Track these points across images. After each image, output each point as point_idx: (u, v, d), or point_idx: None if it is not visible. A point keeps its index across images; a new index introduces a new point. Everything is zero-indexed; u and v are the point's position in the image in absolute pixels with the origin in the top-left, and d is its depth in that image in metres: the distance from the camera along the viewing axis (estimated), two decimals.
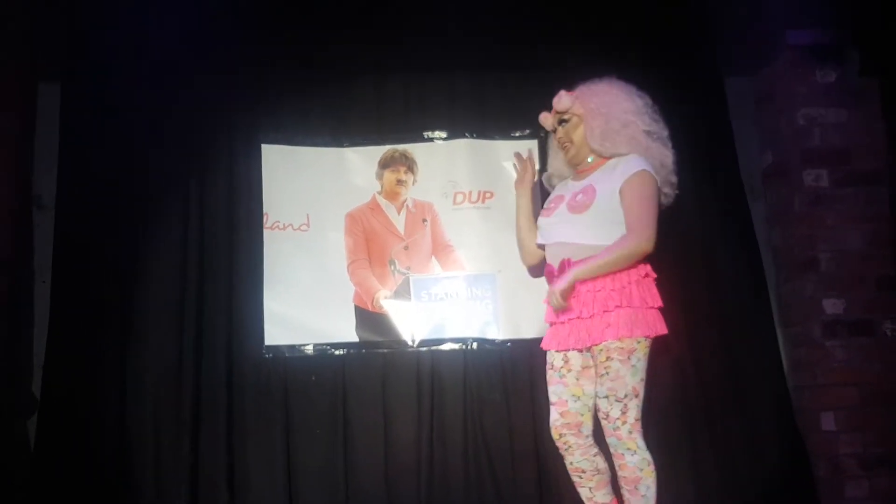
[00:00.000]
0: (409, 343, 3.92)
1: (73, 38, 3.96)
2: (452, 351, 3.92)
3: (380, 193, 4.02)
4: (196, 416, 3.79)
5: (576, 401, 3.03)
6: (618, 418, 2.89)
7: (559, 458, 3.77)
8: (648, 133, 3.04)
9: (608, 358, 2.88)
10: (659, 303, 2.96)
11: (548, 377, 3.12)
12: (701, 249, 4.03)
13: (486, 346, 3.92)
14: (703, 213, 4.02)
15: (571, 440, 3.03)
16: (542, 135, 4.02)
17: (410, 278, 3.96)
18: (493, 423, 3.87)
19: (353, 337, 3.93)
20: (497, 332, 3.92)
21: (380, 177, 4.03)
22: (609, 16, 4.05)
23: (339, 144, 4.04)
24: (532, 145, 4.00)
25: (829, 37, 3.99)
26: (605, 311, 2.89)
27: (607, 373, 2.88)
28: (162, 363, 3.83)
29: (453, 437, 3.87)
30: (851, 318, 3.95)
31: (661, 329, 2.95)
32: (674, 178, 3.09)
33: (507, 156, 4.01)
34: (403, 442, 3.85)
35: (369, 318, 3.93)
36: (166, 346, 3.84)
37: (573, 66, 3.98)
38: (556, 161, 3.32)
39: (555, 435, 3.09)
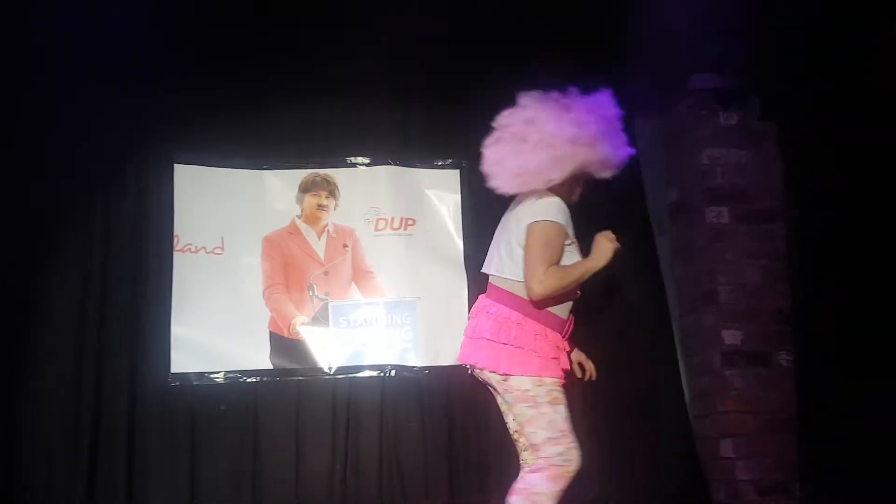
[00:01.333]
0: (326, 370, 3.85)
1: None
2: (370, 378, 3.88)
3: (300, 217, 3.95)
4: (95, 450, 3.60)
5: None
6: None
7: (473, 489, 3.84)
8: None
9: None
10: None
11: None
12: (609, 282, 4.15)
13: (405, 374, 3.90)
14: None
15: None
16: (463, 164, 4.09)
17: (329, 304, 3.90)
18: (408, 452, 3.84)
19: (268, 364, 3.83)
20: (416, 360, 3.90)
21: (300, 201, 3.96)
22: (526, 52, 4.14)
23: (258, 167, 3.95)
24: (454, 174, 4.05)
25: (732, 82, 4.21)
26: None
27: None
28: (58, 391, 3.62)
29: (368, 467, 3.81)
30: (749, 349, 4.12)
31: None
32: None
33: (429, 183, 4.06)
34: (316, 472, 3.77)
35: (285, 345, 3.84)
36: (64, 373, 3.64)
37: (492, 95, 4.09)
38: None
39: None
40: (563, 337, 2.89)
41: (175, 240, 3.82)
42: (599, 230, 3.84)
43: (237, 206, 3.90)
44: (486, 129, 4.03)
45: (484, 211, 4.06)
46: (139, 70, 3.84)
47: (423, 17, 3.82)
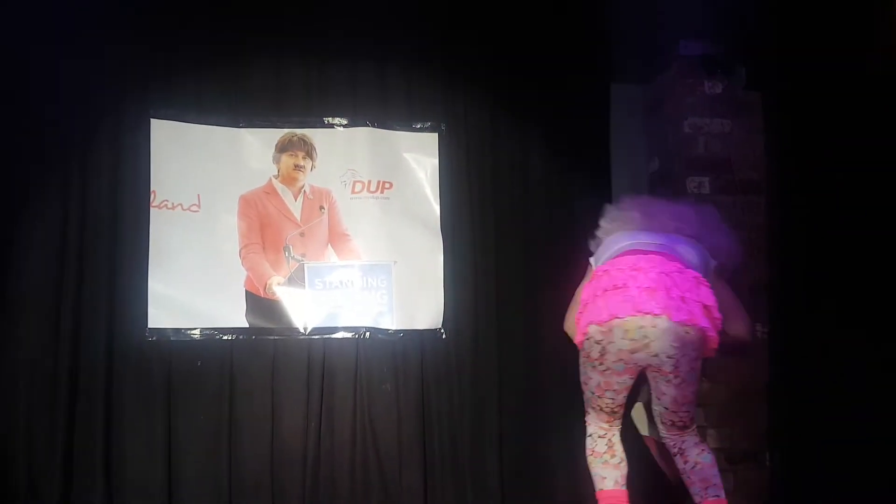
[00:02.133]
0: (301, 331, 3.86)
1: None
2: (345, 340, 3.89)
3: (276, 177, 3.93)
4: (72, 400, 3.65)
5: None
6: None
7: (445, 450, 3.89)
8: None
9: None
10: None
11: None
12: (572, 248, 4.14)
13: (379, 336, 3.91)
14: (576, 216, 4.09)
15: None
16: (442, 128, 4.06)
17: (305, 265, 3.90)
18: (381, 413, 3.87)
19: (243, 323, 3.84)
20: (391, 323, 3.91)
21: (277, 160, 3.93)
22: (505, 13, 4.10)
23: (235, 125, 3.91)
24: (432, 138, 4.03)
25: (719, 50, 4.16)
26: None
27: None
28: (36, 343, 3.65)
29: (342, 427, 3.84)
30: None
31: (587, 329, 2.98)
32: None
33: (407, 147, 4.03)
34: (290, 431, 3.81)
35: (260, 305, 3.85)
36: (42, 326, 3.67)
37: (471, 60, 4.07)
38: None
39: None
40: None
41: (152, 195, 3.80)
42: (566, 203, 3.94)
43: (214, 164, 3.87)
44: (465, 93, 4.08)
45: (461, 175, 4.08)
46: (118, 22, 3.81)
47: None
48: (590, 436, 3.06)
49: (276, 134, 3.94)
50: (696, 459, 2.98)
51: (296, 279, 3.89)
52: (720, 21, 3.97)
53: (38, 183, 3.71)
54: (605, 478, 2.99)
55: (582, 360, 2.98)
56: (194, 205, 3.85)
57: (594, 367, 2.93)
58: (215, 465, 3.72)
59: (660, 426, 3.03)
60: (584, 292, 3.05)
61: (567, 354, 3.98)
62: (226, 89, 3.91)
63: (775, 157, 4.13)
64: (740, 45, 4.09)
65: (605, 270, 2.99)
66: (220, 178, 3.88)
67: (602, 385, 2.95)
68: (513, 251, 4.08)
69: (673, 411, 2.95)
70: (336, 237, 3.95)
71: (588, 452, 3.04)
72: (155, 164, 3.82)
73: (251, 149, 3.92)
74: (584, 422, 3.08)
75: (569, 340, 3.13)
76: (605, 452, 3.02)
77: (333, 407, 3.85)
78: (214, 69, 3.91)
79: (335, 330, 3.89)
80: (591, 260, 3.19)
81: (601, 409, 3.00)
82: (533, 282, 4.06)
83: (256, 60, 3.92)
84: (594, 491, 3.03)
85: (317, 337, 3.87)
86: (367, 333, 3.90)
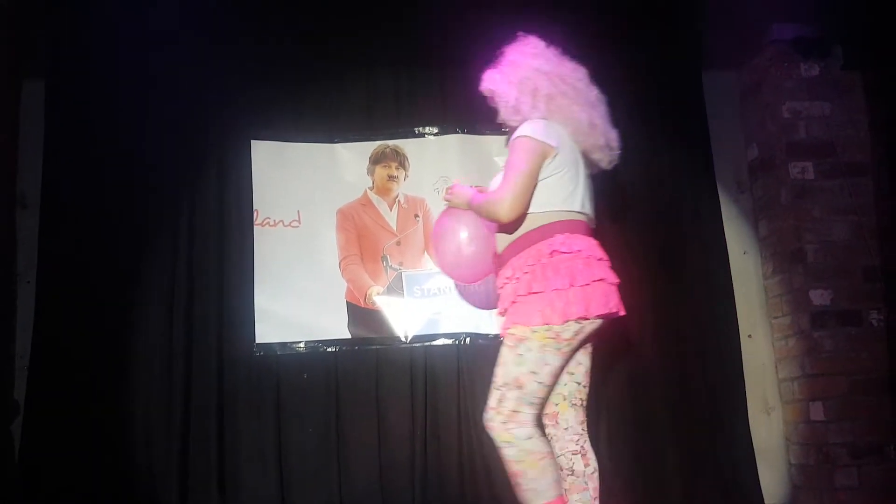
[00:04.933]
0: (402, 339, 3.91)
1: (59, 35, 3.93)
2: (445, 346, 3.92)
3: (371, 189, 4.02)
4: (187, 416, 3.76)
5: None
6: (493, 408, 2.67)
7: None
8: (551, 96, 2.83)
9: (503, 344, 2.71)
10: (589, 279, 2.65)
11: None
12: (671, 245, 4.09)
13: (480, 341, 3.92)
14: (677, 208, 4.10)
15: (551, 431, 2.81)
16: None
17: (403, 274, 3.95)
18: None
19: (346, 333, 3.91)
20: (490, 327, 3.90)
21: (371, 172, 4.02)
22: (594, 6, 4.09)
23: (330, 140, 4.03)
24: None
25: (813, 31, 4.04)
26: (512, 302, 2.70)
27: (498, 359, 2.70)
28: (152, 363, 3.80)
29: (447, 433, 3.86)
30: (839, 309, 3.98)
31: (587, 311, 2.62)
32: (601, 140, 2.90)
33: (497, 150, 4.05)
34: (397, 438, 3.84)
35: (362, 315, 3.92)
36: (156, 346, 3.81)
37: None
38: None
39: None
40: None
41: (255, 214, 3.93)
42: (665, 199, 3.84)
43: (311, 180, 3.99)
44: None
45: None
46: (216, 53, 3.98)
47: None
48: (530, 438, 2.61)
49: (369, 147, 4.04)
50: (596, 465, 2.77)
51: (395, 288, 3.94)
52: (812, 2, 3.86)
53: (147, 207, 3.88)
54: (557, 482, 2.64)
55: (544, 342, 2.61)
56: (294, 221, 3.96)
57: (559, 348, 2.63)
58: (326, 474, 3.79)
59: (567, 416, 2.79)
60: (566, 274, 2.63)
61: (676, 352, 3.98)
62: (320, 107, 4.04)
63: (882, 135, 3.96)
64: (834, 24, 3.95)
65: (585, 256, 2.70)
66: (317, 193, 3.99)
67: (556, 371, 2.68)
68: (610, 252, 4.02)
69: (585, 385, 2.82)
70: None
71: (539, 458, 2.59)
72: (256, 184, 3.96)
73: (346, 163, 4.02)
74: (505, 428, 2.63)
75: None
76: (552, 453, 2.69)
77: (438, 413, 3.87)
78: (308, 88, 4.05)
79: (436, 337, 3.92)
80: (549, 141, 2.73)
81: (539, 403, 2.67)
82: (632, 283, 4.00)
83: (347, 75, 4.04)
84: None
85: (418, 345, 3.91)
86: (468, 339, 3.92)
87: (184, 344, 3.80)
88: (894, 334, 3.90)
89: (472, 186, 3.01)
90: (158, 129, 3.92)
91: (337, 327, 3.91)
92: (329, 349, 3.90)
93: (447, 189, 3.05)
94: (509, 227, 2.75)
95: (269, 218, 3.94)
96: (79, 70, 3.90)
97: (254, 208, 3.94)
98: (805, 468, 4.03)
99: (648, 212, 4.07)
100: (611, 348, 3.91)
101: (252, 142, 3.98)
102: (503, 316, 2.77)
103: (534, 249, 2.69)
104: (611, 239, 3.95)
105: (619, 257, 3.92)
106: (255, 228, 3.92)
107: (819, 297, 4.00)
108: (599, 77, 4.02)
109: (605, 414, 3.90)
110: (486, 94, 2.97)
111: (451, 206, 3.01)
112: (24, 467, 3.63)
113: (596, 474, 2.76)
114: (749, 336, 4.21)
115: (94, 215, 3.81)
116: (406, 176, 4.02)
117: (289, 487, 3.76)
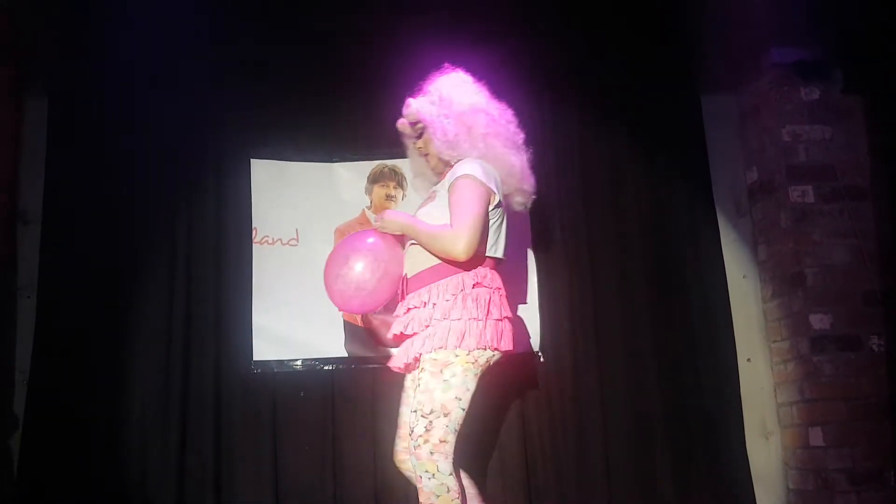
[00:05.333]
0: None
1: (62, 53, 3.97)
2: None
3: (369, 208, 4.02)
4: (183, 433, 3.77)
5: None
6: (420, 435, 2.69)
7: (549, 476, 3.84)
8: (487, 136, 2.94)
9: (422, 370, 2.74)
10: (501, 314, 2.80)
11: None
12: (669, 268, 4.09)
13: None
14: (675, 231, 4.11)
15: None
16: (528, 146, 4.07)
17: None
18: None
19: (343, 352, 3.91)
20: None
21: (369, 192, 4.03)
22: (595, 26, 4.12)
23: (329, 160, 4.05)
24: None
25: (813, 54, 4.04)
26: (426, 326, 2.78)
27: (419, 385, 2.73)
28: (149, 379, 3.81)
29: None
30: (838, 333, 3.95)
31: (499, 344, 2.76)
32: (526, 185, 3.04)
33: None
34: (392, 458, 3.81)
35: (359, 334, 3.92)
36: (154, 362, 3.82)
37: (552, 78, 4.09)
38: (417, 164, 3.27)
39: (396, 462, 3.01)
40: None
41: (253, 232, 3.95)
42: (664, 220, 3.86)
43: (310, 199, 4.00)
44: (551, 109, 4.10)
45: (551, 193, 4.05)
46: (216, 71, 4.01)
47: (487, 9, 3.86)
48: (451, 474, 2.66)
49: (367, 166, 4.05)
50: None
51: (391, 307, 3.93)
52: (811, 25, 3.86)
53: (146, 224, 3.91)
54: None
55: (465, 367, 2.71)
56: (293, 239, 3.98)
57: (476, 374, 2.74)
58: (322, 493, 3.77)
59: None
60: (484, 306, 2.76)
61: (673, 377, 3.97)
62: (318, 126, 4.06)
63: (883, 159, 3.95)
64: (834, 47, 3.95)
65: (501, 294, 2.87)
66: (316, 212, 4.00)
67: (472, 398, 2.75)
68: (608, 272, 4.04)
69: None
70: None
71: (453, 497, 2.66)
72: (255, 202, 3.98)
73: (344, 182, 4.04)
74: (431, 459, 2.67)
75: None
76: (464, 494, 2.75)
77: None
78: (307, 107, 4.06)
79: None
80: (491, 185, 2.84)
81: (456, 433, 2.71)
82: (631, 302, 4.01)
83: (346, 94, 4.05)
84: None
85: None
86: None
87: (181, 360, 3.80)
88: (894, 359, 3.87)
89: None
90: (159, 147, 3.95)
91: (334, 346, 3.91)
92: (326, 367, 3.90)
93: (378, 217, 3.08)
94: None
95: (267, 236, 3.95)
96: (81, 87, 3.95)
97: (252, 226, 3.95)
98: (804, 494, 3.99)
99: (647, 235, 4.06)
100: (608, 371, 3.94)
101: (251, 160, 4.00)
102: (400, 340, 2.90)
103: (457, 279, 2.79)
104: (608, 261, 4.03)
105: (617, 280, 4.00)
106: (254, 246, 3.94)
107: (819, 321, 3.97)
108: (597, 101, 4.11)
109: (602, 438, 3.88)
110: (409, 119, 3.06)
111: (384, 231, 3.04)
112: (23, 481, 3.65)
113: None
114: (748, 360, 4.18)
115: (95, 231, 3.84)
116: (404, 195, 4.02)
117: None
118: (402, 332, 2.88)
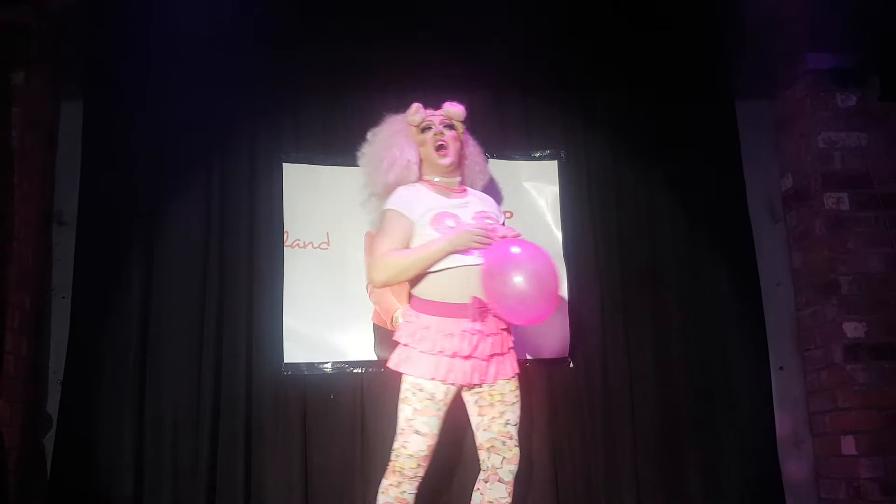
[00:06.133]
0: None
1: (97, 56, 4.01)
2: None
3: None
4: (215, 434, 3.79)
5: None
6: (514, 438, 3.25)
7: (579, 485, 3.83)
8: None
9: (514, 388, 3.21)
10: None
11: (423, 406, 3.14)
12: (701, 275, 4.07)
13: None
14: (709, 238, 4.10)
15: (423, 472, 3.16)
16: (562, 155, 4.07)
17: None
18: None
19: (372, 355, 3.92)
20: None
21: None
22: (622, 35, 4.10)
23: (359, 163, 4.03)
24: (552, 165, 4.05)
25: (850, 61, 4.02)
26: (510, 349, 3.20)
27: (514, 401, 3.20)
28: (181, 380, 3.83)
29: (474, 454, 3.82)
30: (873, 342, 3.93)
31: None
32: None
33: (527, 175, 4.07)
34: None
35: (388, 337, 3.89)
36: (186, 364, 3.84)
37: (588, 84, 4.07)
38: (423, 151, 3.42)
39: (413, 463, 3.14)
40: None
41: (285, 235, 3.97)
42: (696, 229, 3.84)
43: (341, 203, 4.00)
44: (583, 118, 4.09)
45: (582, 202, 4.06)
46: (249, 76, 4.03)
47: (517, 9, 3.85)
48: None
49: None
50: None
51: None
52: (848, 30, 3.82)
53: (180, 227, 3.94)
54: None
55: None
56: (324, 242, 3.99)
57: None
58: (351, 495, 3.79)
59: None
60: None
61: (704, 384, 3.95)
62: (350, 130, 4.03)
63: None
64: (871, 53, 3.91)
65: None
66: (346, 215, 3.99)
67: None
68: (639, 277, 4.03)
69: None
70: None
71: None
72: (287, 206, 3.99)
73: None
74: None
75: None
76: None
77: (465, 435, 3.85)
78: (339, 111, 4.09)
79: None
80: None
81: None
82: (663, 309, 4.00)
83: (378, 98, 4.01)
84: None
85: None
86: None
87: (214, 361, 3.83)
88: None
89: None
90: (191, 150, 3.98)
91: (364, 349, 3.92)
92: (356, 370, 3.91)
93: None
94: None
95: (298, 239, 3.97)
96: (116, 91, 3.97)
97: (284, 230, 3.97)
98: (835, 503, 3.96)
99: (679, 241, 4.04)
100: (638, 378, 3.92)
101: (284, 164, 4.01)
102: (504, 357, 3.16)
103: None
104: (640, 268, 4.01)
105: (649, 286, 3.98)
106: (285, 249, 3.95)
107: (853, 329, 3.95)
108: (631, 106, 4.10)
109: (632, 444, 3.87)
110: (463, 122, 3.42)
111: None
112: (56, 480, 3.70)
113: None
114: (781, 368, 4.16)
115: (128, 234, 3.88)
116: None
117: None
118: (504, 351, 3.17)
